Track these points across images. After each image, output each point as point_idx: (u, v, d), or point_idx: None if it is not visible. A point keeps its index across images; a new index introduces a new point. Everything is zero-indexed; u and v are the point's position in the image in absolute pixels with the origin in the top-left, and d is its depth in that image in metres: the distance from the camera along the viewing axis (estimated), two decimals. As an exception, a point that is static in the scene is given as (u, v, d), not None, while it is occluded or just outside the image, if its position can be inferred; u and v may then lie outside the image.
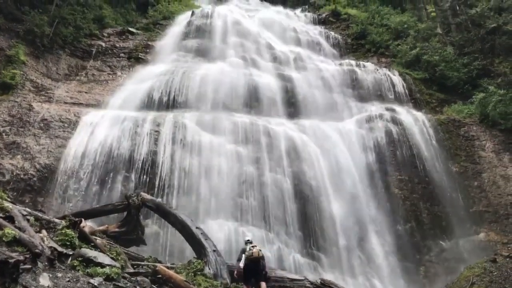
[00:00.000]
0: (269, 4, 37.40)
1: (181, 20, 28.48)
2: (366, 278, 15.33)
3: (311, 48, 26.91)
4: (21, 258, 5.64)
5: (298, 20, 31.43)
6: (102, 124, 18.14)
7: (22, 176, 15.97)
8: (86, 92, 21.11)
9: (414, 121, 20.70)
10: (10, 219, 7.96)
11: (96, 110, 19.51)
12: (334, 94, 22.22)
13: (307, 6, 36.37)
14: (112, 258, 8.81)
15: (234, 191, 16.48)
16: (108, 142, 17.30)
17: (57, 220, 10.34)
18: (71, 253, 8.00)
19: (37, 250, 6.63)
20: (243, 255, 9.50)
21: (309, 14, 33.05)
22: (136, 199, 12.67)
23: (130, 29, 26.61)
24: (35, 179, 16.07)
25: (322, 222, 16.45)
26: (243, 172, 17.17)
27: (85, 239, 9.34)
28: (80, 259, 7.76)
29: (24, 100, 19.02)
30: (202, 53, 24.48)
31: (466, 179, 18.89)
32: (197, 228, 11.81)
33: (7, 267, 5.21)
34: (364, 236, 16.63)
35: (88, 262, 7.76)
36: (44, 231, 8.84)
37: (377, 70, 24.26)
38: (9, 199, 10.47)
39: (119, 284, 7.36)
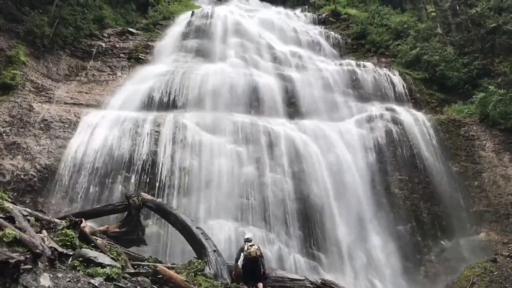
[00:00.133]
0: (269, 4, 37.42)
1: (181, 21, 28.48)
2: (366, 278, 15.34)
3: (311, 48, 26.91)
4: (22, 258, 5.65)
5: (298, 20, 31.44)
6: (103, 125, 18.15)
7: (22, 176, 15.98)
8: (86, 93, 21.12)
9: (414, 121, 20.70)
10: (11, 219, 7.96)
11: (97, 110, 19.52)
12: (334, 94, 22.22)
13: (307, 6, 36.37)
14: (112, 258, 8.81)
15: (235, 191, 16.48)
16: (108, 143, 17.32)
17: (57, 221, 10.34)
18: (71, 253, 8.00)
19: (37, 251, 6.63)
20: (242, 254, 9.51)
21: (309, 14, 33.05)
22: (137, 199, 12.67)
23: (130, 29, 26.61)
24: (35, 179, 16.08)
25: (322, 222, 16.45)
26: (244, 172, 17.19)
27: (86, 239, 9.35)
28: (80, 259, 7.76)
29: (24, 101, 19.03)
30: (202, 54, 24.48)
31: (466, 179, 18.90)
32: (197, 228, 11.81)
33: (7, 267, 5.22)
34: (364, 236, 16.64)
35: (89, 262, 7.77)
36: (44, 232, 8.85)
37: (377, 70, 24.25)
38: (9, 200, 10.45)
39: (120, 284, 7.36)
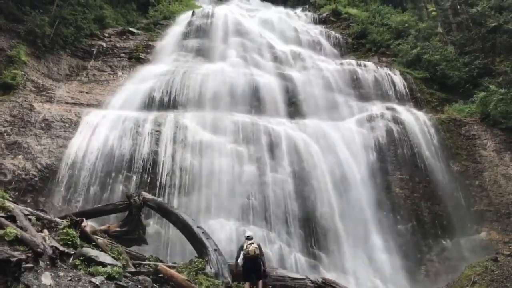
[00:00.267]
0: (269, 3, 37.40)
1: (182, 20, 28.51)
2: (367, 277, 15.32)
3: (311, 47, 26.90)
4: (23, 257, 5.66)
5: (298, 20, 31.43)
6: (103, 124, 18.17)
7: (23, 176, 16.00)
8: (87, 92, 21.14)
9: (415, 121, 20.68)
10: (12, 218, 7.97)
11: (97, 110, 19.53)
12: (335, 93, 22.21)
13: (307, 6, 36.37)
14: (113, 257, 8.82)
15: (235, 190, 16.49)
16: (109, 142, 17.34)
17: (58, 220, 10.35)
18: (72, 252, 8.01)
19: (39, 249, 6.65)
20: (241, 253, 9.53)
21: (310, 14, 33.04)
22: (137, 199, 12.67)
23: (131, 29, 26.64)
24: (36, 179, 16.10)
25: (323, 221, 16.45)
26: (244, 172, 17.20)
27: (87, 238, 9.37)
28: (81, 258, 7.77)
29: (25, 100, 19.05)
30: (203, 53, 24.50)
31: (467, 178, 18.88)
32: (198, 227, 11.82)
33: (9, 266, 5.23)
34: (365, 236, 16.62)
35: (90, 261, 7.77)
36: (45, 231, 8.86)
37: (378, 69, 24.24)
38: (11, 199, 10.48)
39: (121, 283, 7.37)
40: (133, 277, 8.24)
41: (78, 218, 9.98)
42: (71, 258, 7.77)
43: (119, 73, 23.06)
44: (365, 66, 24.46)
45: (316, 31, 29.15)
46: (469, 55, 24.53)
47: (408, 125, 20.20)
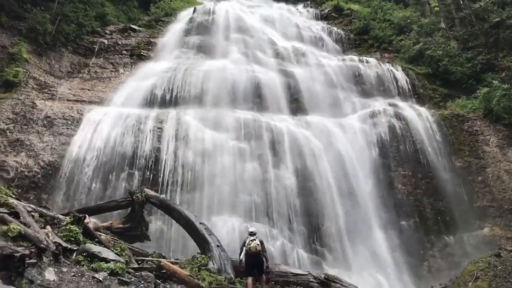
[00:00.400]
0: (271, 0, 37.26)
1: (183, 17, 28.42)
2: (370, 273, 15.29)
3: (313, 43, 26.81)
4: (27, 252, 5.68)
5: (300, 16, 31.32)
6: (105, 121, 18.17)
7: (26, 173, 16.04)
8: (89, 90, 21.14)
9: (418, 117, 20.61)
10: (15, 215, 7.98)
11: (99, 107, 19.54)
12: (337, 89, 22.15)
13: (309, 2, 36.18)
14: (116, 253, 8.84)
15: (237, 187, 16.48)
16: (111, 139, 17.35)
17: (61, 217, 10.37)
18: (75, 248, 8.03)
19: (42, 245, 6.67)
20: (244, 249, 9.55)
21: (312, 10, 32.91)
22: (140, 195, 12.69)
23: (132, 26, 26.58)
24: (39, 176, 16.14)
25: (325, 218, 16.45)
26: (246, 169, 17.18)
27: (89, 235, 9.38)
28: (84, 254, 7.78)
29: (27, 98, 19.07)
30: (204, 50, 24.44)
31: (470, 174, 18.82)
32: (200, 223, 11.83)
33: (12, 261, 5.25)
34: (367, 232, 16.59)
35: (93, 257, 7.79)
36: (48, 227, 8.88)
37: (380, 65, 24.15)
38: (13, 196, 10.50)
39: (124, 279, 7.38)
40: (136, 273, 8.25)
41: (81, 215, 9.98)
42: (74, 254, 7.79)
43: (121, 70, 23.05)
44: (367, 62, 24.37)
45: (318, 27, 29.04)
46: (472, 51, 24.41)
47: (411, 121, 20.13)
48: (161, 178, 16.36)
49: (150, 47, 24.95)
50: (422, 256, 16.43)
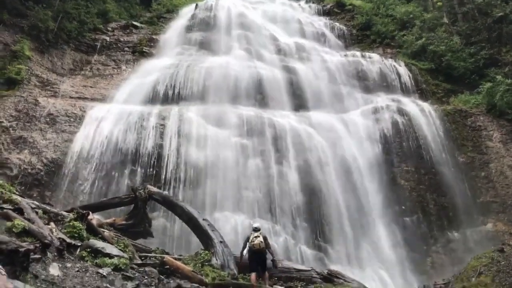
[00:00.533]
0: (273, -4, 37.08)
1: (185, 13, 28.38)
2: (373, 269, 15.32)
3: (316, 39, 26.70)
4: (31, 247, 5.71)
5: (302, 12, 31.18)
6: (108, 118, 18.20)
7: (29, 170, 16.09)
8: (91, 87, 21.16)
9: (421, 112, 20.55)
10: (19, 211, 8.02)
11: (102, 104, 19.57)
12: (340, 85, 22.09)
13: (311, -2, 36.01)
14: (120, 249, 8.86)
15: (240, 183, 16.51)
16: (114, 136, 17.38)
17: (65, 213, 10.40)
18: (79, 244, 8.05)
19: (46, 241, 6.69)
20: (247, 245, 9.56)
21: (314, 6, 32.74)
22: (143, 192, 12.69)
23: (134, 23, 26.56)
24: (42, 173, 16.19)
25: (328, 214, 16.45)
26: (249, 165, 17.20)
27: (93, 231, 9.41)
28: (88, 250, 7.81)
29: (30, 95, 19.11)
30: (206, 46, 24.39)
31: (473, 169, 18.78)
32: (203, 219, 11.84)
33: (17, 256, 5.28)
34: (370, 228, 16.61)
35: (97, 253, 7.81)
36: (52, 224, 8.91)
37: (383, 61, 24.06)
38: (17, 193, 10.54)
39: (128, 274, 7.41)
40: (140, 269, 8.29)
41: (84, 211, 10.02)
42: (78, 250, 7.81)
43: (123, 67, 23.05)
44: (369, 57, 24.29)
45: (320, 23, 28.91)
46: (475, 46, 24.29)
47: (414, 117, 20.08)
48: (163, 175, 16.39)
49: (152, 44, 24.93)
50: (425, 252, 16.43)
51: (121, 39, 24.85)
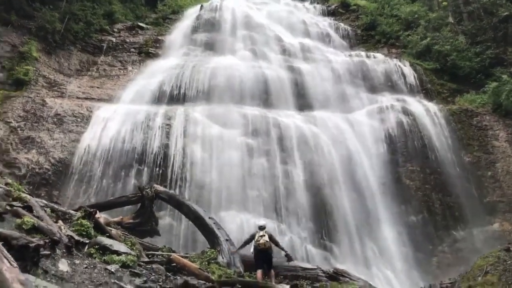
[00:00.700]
0: (278, -4, 37.13)
1: (190, 14, 28.54)
2: (378, 269, 15.30)
3: (320, 39, 26.73)
4: (41, 242, 5.81)
5: (307, 12, 31.23)
6: (115, 119, 18.37)
7: (37, 170, 16.26)
8: (98, 87, 21.35)
9: (426, 112, 20.48)
10: (29, 209, 8.14)
11: (108, 104, 19.75)
12: (344, 85, 22.09)
13: (316, -2, 36.04)
14: (127, 247, 8.94)
15: (245, 183, 16.57)
16: (120, 136, 17.54)
17: (72, 212, 10.51)
18: (87, 241, 8.15)
19: (55, 237, 6.79)
20: (252, 243, 9.63)
21: (318, 6, 32.78)
22: (150, 191, 12.81)
23: (140, 24, 26.76)
24: (50, 173, 16.36)
25: (334, 213, 16.46)
26: (254, 164, 17.26)
27: (100, 229, 9.51)
28: (96, 247, 7.89)
29: (37, 96, 19.32)
30: (212, 47, 24.53)
31: (479, 169, 18.69)
32: (210, 218, 11.93)
33: (28, 251, 5.38)
34: (376, 227, 16.58)
35: (104, 250, 7.90)
36: (60, 222, 9.00)
37: (388, 61, 24.04)
38: (25, 192, 10.66)
39: (135, 271, 7.48)
40: (147, 266, 8.36)
41: (91, 210, 10.11)
42: (86, 247, 7.90)
43: (129, 68, 23.23)
44: (374, 57, 24.27)
45: (325, 23, 28.92)
46: (481, 45, 24.16)
47: (419, 117, 20.02)
48: (170, 174, 16.50)
49: (157, 45, 25.10)
50: (431, 252, 16.38)
51: (127, 40, 25.05)
